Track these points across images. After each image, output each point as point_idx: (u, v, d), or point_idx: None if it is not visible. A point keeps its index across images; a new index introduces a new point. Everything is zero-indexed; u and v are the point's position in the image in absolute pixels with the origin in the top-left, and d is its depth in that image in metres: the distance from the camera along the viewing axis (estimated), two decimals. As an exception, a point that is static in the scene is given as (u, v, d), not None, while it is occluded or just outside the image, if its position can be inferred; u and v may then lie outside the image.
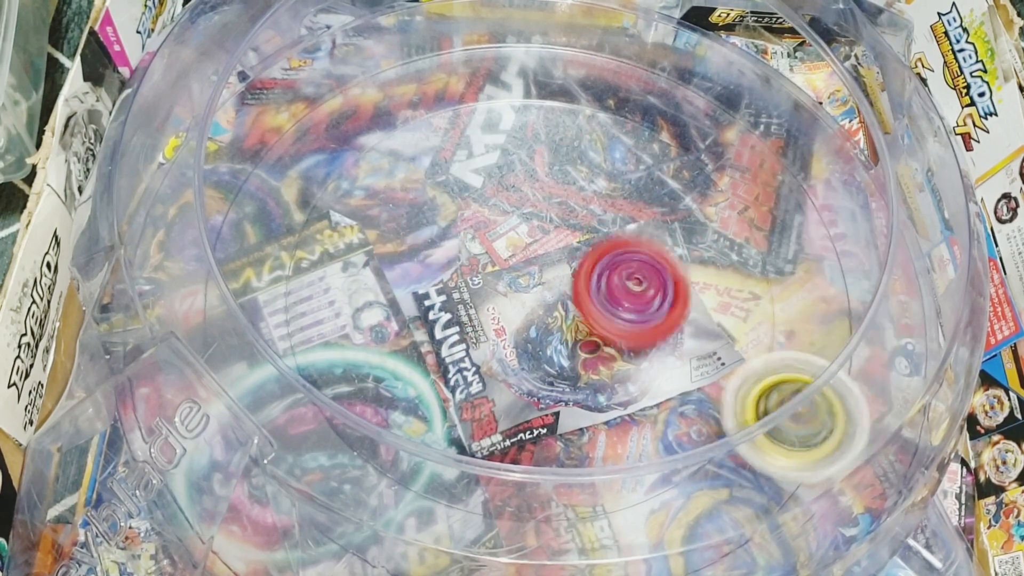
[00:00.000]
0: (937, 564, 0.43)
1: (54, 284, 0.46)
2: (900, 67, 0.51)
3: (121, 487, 0.39)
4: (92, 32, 0.48)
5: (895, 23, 0.58)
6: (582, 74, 0.57)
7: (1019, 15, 0.51)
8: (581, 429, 0.47)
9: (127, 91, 0.47)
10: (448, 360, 0.48)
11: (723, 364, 0.49)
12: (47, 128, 0.46)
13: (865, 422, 0.41)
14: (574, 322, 0.50)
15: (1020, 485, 0.47)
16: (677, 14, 0.58)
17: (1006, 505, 0.47)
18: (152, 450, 0.39)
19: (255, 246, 0.50)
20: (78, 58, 0.47)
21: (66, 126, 0.46)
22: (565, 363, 0.49)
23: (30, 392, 0.44)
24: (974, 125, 0.53)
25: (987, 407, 0.49)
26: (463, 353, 0.48)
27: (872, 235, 0.53)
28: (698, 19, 0.58)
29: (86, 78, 0.48)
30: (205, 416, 0.38)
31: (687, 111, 0.57)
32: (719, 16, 0.57)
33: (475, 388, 0.48)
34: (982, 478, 0.49)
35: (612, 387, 0.48)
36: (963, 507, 0.48)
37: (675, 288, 0.49)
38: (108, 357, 0.42)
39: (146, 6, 0.53)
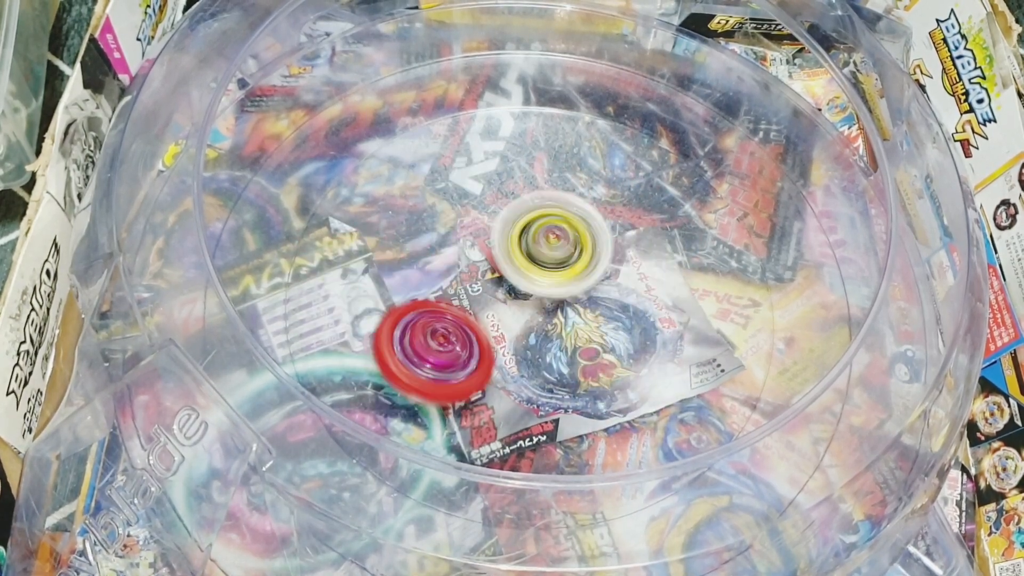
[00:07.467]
0: (938, 571, 0.42)
1: (53, 291, 0.46)
2: (899, 74, 0.51)
3: (119, 495, 0.39)
4: (92, 39, 0.48)
5: (894, 30, 0.58)
6: (581, 81, 0.58)
7: (1017, 22, 0.51)
8: (581, 436, 0.47)
9: (127, 98, 0.47)
10: (447, 367, 0.48)
11: (723, 371, 0.49)
12: (47, 135, 0.46)
13: (607, 242, 0.50)
14: (573, 329, 0.50)
15: (1020, 492, 0.47)
16: (676, 21, 0.58)
17: (1007, 512, 0.47)
18: (150, 458, 0.39)
19: (254, 253, 0.50)
20: (78, 65, 0.47)
21: (66, 133, 0.46)
22: (564, 370, 0.49)
23: (29, 400, 0.44)
24: (973, 131, 0.53)
25: (987, 414, 0.49)
26: (462, 360, 0.48)
27: (871, 241, 0.53)
28: (697, 26, 0.58)
29: (86, 85, 0.48)
30: (204, 423, 0.38)
31: (686, 118, 0.57)
32: (718, 23, 0.58)
33: (474, 395, 0.48)
34: (982, 485, 0.49)
35: (612, 394, 0.48)
36: (963, 514, 0.48)
37: (480, 350, 0.47)
38: (107, 364, 0.42)
39: (146, 13, 0.53)
